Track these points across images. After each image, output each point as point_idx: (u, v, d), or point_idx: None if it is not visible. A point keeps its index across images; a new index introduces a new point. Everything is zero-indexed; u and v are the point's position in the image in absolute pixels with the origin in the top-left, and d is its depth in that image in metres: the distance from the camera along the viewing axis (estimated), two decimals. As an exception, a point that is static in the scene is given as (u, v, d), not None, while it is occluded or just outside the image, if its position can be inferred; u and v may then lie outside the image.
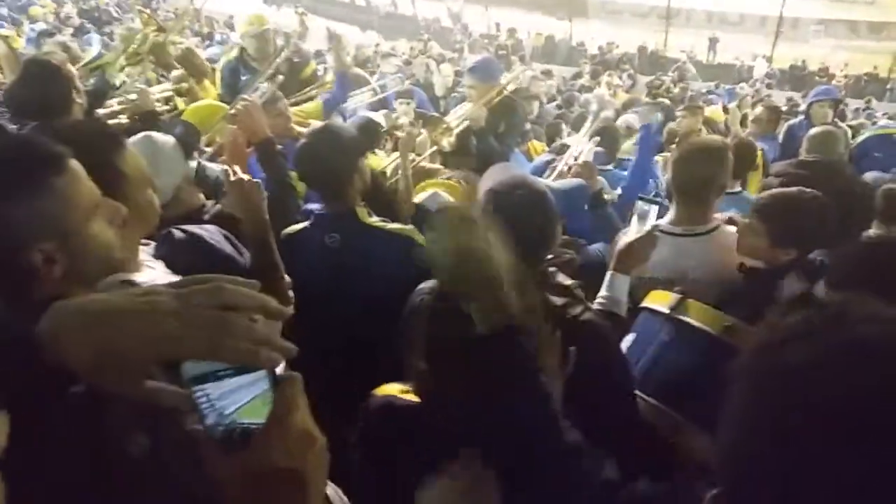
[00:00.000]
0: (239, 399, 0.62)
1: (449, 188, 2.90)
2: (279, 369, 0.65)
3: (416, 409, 1.30)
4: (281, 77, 3.41)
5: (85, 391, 0.64)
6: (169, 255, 1.69)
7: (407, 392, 1.34)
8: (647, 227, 1.98)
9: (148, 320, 0.62)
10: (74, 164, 1.12)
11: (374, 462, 1.35)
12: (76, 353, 0.61)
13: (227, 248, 1.91)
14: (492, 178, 1.93)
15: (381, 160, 3.38)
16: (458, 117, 3.47)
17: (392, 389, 1.37)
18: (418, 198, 2.79)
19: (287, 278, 1.92)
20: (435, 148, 3.42)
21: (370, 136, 3.51)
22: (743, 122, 5.91)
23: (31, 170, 1.08)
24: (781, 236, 2.04)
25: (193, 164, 2.47)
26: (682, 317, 1.69)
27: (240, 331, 0.62)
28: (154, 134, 2.28)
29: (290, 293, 1.93)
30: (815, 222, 2.05)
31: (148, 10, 5.13)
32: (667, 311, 1.72)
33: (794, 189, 2.19)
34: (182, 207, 2.17)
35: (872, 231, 2.56)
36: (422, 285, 1.85)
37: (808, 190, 2.12)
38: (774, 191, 2.30)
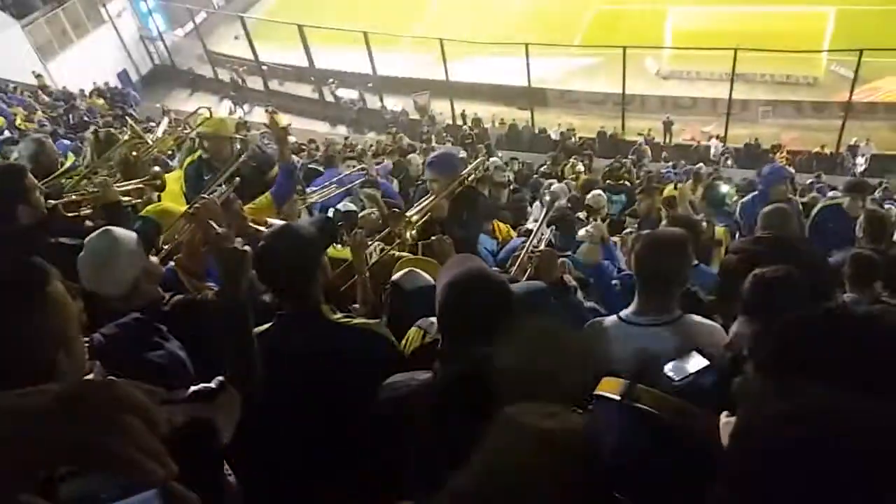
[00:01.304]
0: None
1: (425, 265, 2.92)
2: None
3: None
4: (238, 179, 3.41)
5: None
6: None
7: None
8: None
9: (25, 419, 0.55)
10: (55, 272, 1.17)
11: None
12: None
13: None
14: (450, 270, 1.95)
15: (342, 251, 3.40)
16: (418, 211, 3.53)
17: None
18: (395, 276, 2.80)
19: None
20: (398, 242, 3.45)
21: (329, 231, 3.53)
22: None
23: (28, 286, 1.12)
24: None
25: (154, 259, 2.47)
26: (634, 403, 1.69)
27: (128, 433, 0.56)
28: (114, 228, 2.30)
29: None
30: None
31: (135, 125, 5.17)
32: (618, 398, 1.73)
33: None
34: (142, 300, 2.18)
35: (847, 296, 2.60)
36: (395, 379, 1.83)
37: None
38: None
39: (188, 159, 4.45)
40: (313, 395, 2.06)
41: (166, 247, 3.05)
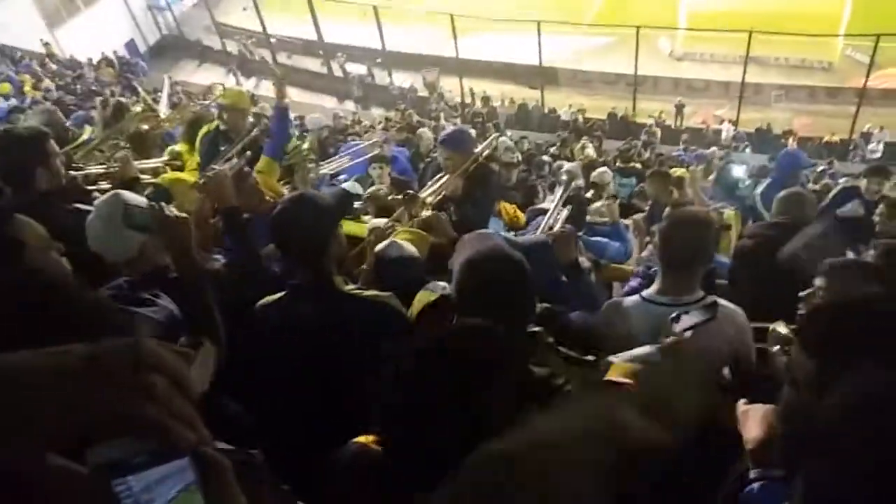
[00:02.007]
0: (166, 493, 0.54)
1: (415, 237, 2.88)
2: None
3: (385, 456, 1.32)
4: (249, 153, 3.41)
5: None
6: None
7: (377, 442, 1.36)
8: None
9: (51, 379, 0.53)
10: None
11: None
12: None
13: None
14: (468, 247, 1.93)
15: (359, 226, 3.37)
16: (433, 192, 3.50)
17: (364, 440, 1.41)
18: (378, 246, 2.76)
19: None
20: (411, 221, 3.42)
21: (346, 203, 3.51)
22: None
23: None
24: None
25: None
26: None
27: (158, 396, 0.54)
28: (124, 192, 2.29)
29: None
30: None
31: (151, 100, 5.19)
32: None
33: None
34: (148, 265, 2.17)
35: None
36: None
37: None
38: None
39: (204, 129, 4.46)
40: (320, 364, 2.06)
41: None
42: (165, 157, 3.94)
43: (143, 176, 3.43)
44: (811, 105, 19.69)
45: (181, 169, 4.00)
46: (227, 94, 4.61)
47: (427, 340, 1.38)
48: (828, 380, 0.87)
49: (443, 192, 3.48)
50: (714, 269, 2.94)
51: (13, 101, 11.33)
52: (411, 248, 2.66)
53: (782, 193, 3.75)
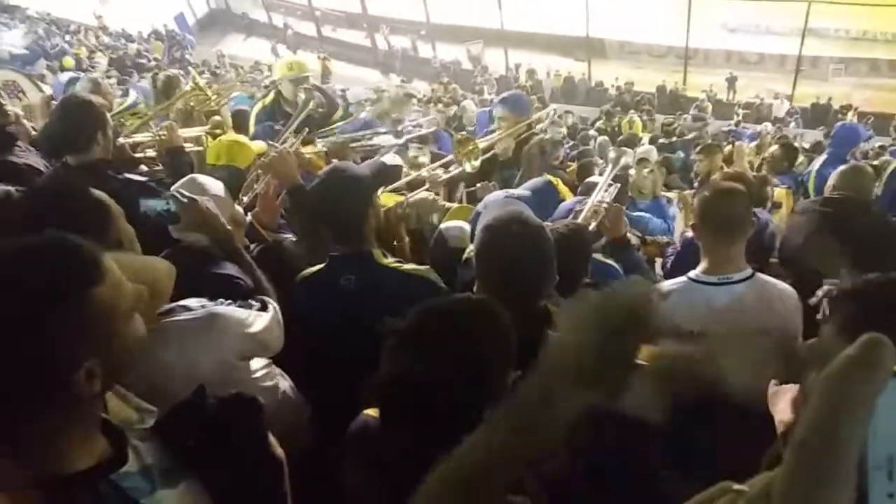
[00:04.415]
0: None
1: (469, 213, 2.88)
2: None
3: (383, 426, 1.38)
4: (307, 129, 3.51)
5: None
6: None
7: None
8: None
9: None
10: (111, 265, 1.03)
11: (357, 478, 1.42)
12: None
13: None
14: (489, 209, 1.91)
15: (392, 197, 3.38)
16: (487, 140, 3.50)
17: (372, 411, 1.45)
18: (443, 224, 2.76)
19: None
20: (457, 170, 3.43)
21: (383, 174, 3.51)
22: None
23: (69, 283, 0.97)
24: None
25: (238, 208, 2.52)
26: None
27: None
28: (200, 176, 2.36)
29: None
30: None
31: (197, 77, 5.30)
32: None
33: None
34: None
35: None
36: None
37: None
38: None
39: (259, 105, 4.54)
40: (358, 336, 2.07)
41: (245, 199, 3.05)
42: (207, 127, 3.98)
43: (186, 144, 3.48)
44: (872, 79, 18.82)
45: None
46: (290, 64, 4.78)
47: (428, 311, 1.39)
48: None
49: (492, 147, 3.48)
50: (768, 248, 2.86)
51: (71, 74, 11.66)
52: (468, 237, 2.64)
53: (842, 167, 3.61)
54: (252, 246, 2.44)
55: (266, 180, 2.85)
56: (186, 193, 2.11)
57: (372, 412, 1.44)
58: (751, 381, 1.13)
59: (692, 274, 2.21)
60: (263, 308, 1.87)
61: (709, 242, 2.22)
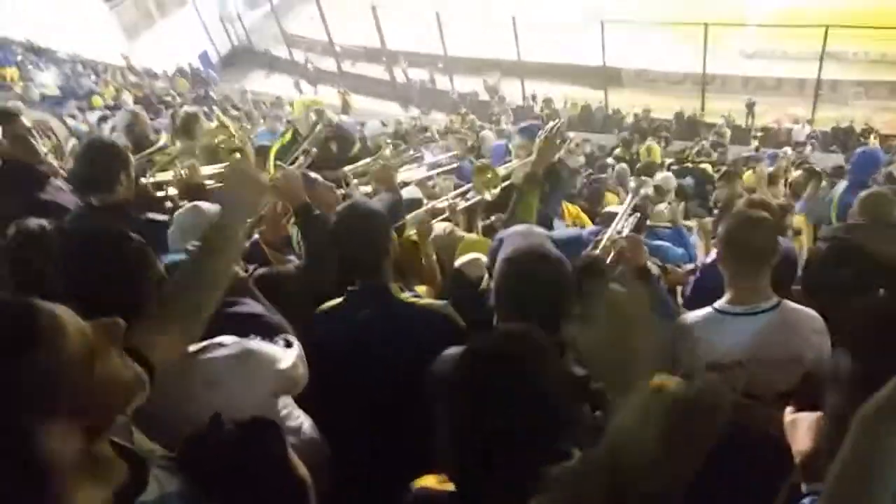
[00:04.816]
0: None
1: (486, 247, 2.87)
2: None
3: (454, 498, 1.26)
4: (315, 150, 3.55)
5: None
6: None
7: (445, 482, 1.30)
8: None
9: None
10: (49, 314, 0.95)
11: None
12: None
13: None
14: (510, 241, 1.92)
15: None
16: (506, 167, 3.51)
17: (429, 481, 1.34)
18: (459, 261, 2.77)
19: None
20: (477, 198, 3.41)
21: (396, 211, 3.54)
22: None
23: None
24: None
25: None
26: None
27: None
28: (202, 203, 2.39)
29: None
30: None
31: (222, 115, 5.47)
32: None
33: None
34: None
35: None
36: (445, 354, 1.82)
37: None
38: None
39: (279, 142, 4.64)
40: (377, 373, 2.08)
41: (249, 220, 3.11)
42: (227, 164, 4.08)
43: (207, 181, 3.55)
44: (893, 101, 18.63)
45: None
46: (302, 104, 4.96)
47: (471, 354, 1.33)
48: (878, 386, 0.78)
49: (513, 176, 3.49)
50: (791, 276, 2.83)
51: (99, 113, 12.00)
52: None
53: (865, 193, 3.57)
54: (251, 268, 2.44)
55: (271, 201, 2.85)
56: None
57: (430, 483, 1.35)
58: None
59: (718, 305, 2.20)
60: (288, 345, 1.88)
61: (734, 272, 2.20)
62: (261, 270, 2.46)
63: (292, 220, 2.80)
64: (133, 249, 1.70)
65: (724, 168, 8.17)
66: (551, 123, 3.30)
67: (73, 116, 11.33)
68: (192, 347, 1.62)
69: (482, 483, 1.20)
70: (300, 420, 1.94)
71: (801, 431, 1.36)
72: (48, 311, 0.96)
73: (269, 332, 1.90)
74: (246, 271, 2.38)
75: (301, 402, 2.00)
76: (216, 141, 4.45)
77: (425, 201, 4.19)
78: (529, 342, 1.31)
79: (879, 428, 0.53)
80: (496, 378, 1.24)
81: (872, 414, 0.56)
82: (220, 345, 1.69)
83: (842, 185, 5.28)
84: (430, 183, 4.89)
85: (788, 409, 1.45)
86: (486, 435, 1.20)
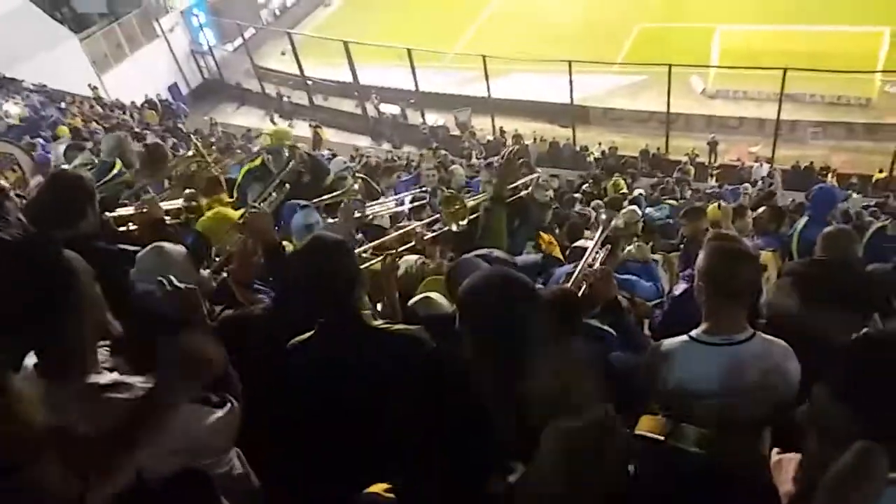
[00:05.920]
0: None
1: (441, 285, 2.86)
2: None
3: None
4: (288, 186, 3.53)
5: None
6: None
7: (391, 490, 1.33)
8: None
9: None
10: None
11: None
12: None
13: None
14: (464, 270, 1.92)
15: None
16: (475, 199, 3.50)
17: (377, 488, 1.42)
18: (412, 300, 2.75)
19: None
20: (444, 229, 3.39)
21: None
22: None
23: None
24: None
25: (205, 273, 2.51)
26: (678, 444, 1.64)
27: None
28: (165, 245, 2.34)
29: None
30: None
31: (198, 144, 5.41)
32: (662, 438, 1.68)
33: None
34: None
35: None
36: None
37: None
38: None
39: (248, 165, 4.60)
40: (352, 404, 2.04)
41: (218, 259, 3.06)
42: (181, 202, 3.95)
43: (166, 217, 3.51)
44: (849, 141, 19.34)
45: (196, 211, 4.01)
46: (276, 133, 4.93)
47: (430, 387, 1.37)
48: (860, 428, 0.79)
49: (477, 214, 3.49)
50: (756, 310, 2.87)
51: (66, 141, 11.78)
52: (445, 304, 2.62)
53: (829, 230, 3.66)
54: (216, 309, 2.40)
55: (241, 238, 2.84)
56: (174, 282, 2.08)
57: (377, 489, 1.39)
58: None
59: (694, 334, 2.19)
60: (221, 404, 1.76)
61: (714, 305, 2.19)
62: (227, 313, 2.41)
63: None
64: (52, 270, 1.56)
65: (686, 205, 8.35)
66: (510, 147, 3.36)
67: (32, 146, 11.11)
68: (102, 380, 1.52)
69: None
70: (230, 456, 1.86)
71: (786, 473, 1.36)
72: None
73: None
74: (212, 312, 2.34)
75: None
76: (193, 169, 4.43)
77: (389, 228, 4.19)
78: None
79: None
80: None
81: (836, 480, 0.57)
82: (127, 385, 1.56)
83: (802, 220, 5.43)
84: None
85: (775, 451, 1.45)
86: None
